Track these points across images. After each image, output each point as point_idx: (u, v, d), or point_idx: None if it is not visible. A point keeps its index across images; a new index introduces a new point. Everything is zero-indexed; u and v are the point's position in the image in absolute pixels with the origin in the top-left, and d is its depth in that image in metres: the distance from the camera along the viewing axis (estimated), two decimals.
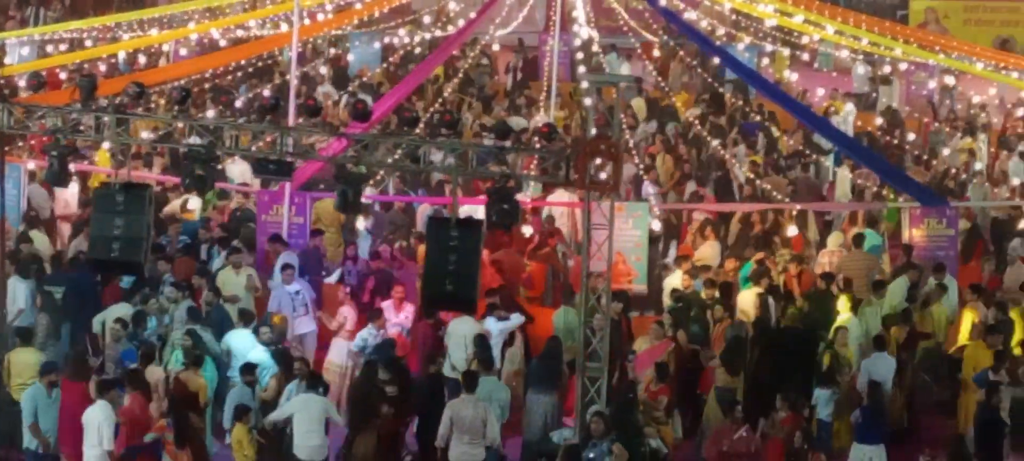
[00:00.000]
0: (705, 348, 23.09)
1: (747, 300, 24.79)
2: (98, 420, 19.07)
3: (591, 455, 18.98)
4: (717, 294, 24.34)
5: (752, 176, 31.17)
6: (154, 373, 20.72)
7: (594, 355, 19.99)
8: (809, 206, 29.80)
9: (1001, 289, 26.38)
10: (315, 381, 20.36)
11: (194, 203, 27.78)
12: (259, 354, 21.60)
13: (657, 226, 27.74)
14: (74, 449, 19.44)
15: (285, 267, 24.14)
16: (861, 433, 20.72)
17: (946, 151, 35.15)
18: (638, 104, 37.84)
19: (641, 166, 31.23)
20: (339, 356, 23.15)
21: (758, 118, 36.53)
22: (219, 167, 25.56)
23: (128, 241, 20.10)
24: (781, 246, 27.80)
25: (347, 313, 23.67)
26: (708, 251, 27.66)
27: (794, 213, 29.01)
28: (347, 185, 20.33)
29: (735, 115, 36.95)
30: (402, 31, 43.08)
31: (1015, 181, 33.48)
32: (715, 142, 33.02)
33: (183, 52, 40.53)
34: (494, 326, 22.94)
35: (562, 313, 23.71)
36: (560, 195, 28.01)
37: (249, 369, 20.75)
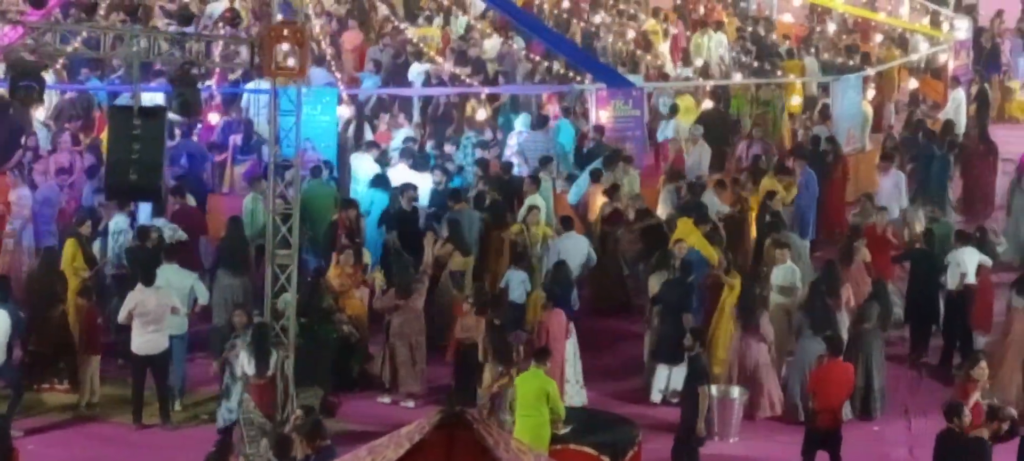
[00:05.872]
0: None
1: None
2: None
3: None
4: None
5: (439, 59, 31.06)
6: None
7: (283, 242, 19.71)
8: (492, 90, 29.80)
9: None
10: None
11: None
12: None
13: (347, 112, 27.56)
14: None
15: None
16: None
17: (631, 33, 35.44)
18: None
19: (329, 52, 30.85)
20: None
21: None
22: None
23: None
24: (468, 128, 27.96)
25: (23, 193, 23.25)
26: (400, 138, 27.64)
27: (483, 97, 29.06)
28: (22, 75, 19.60)
29: None
30: None
31: (697, 61, 34.16)
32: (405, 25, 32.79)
33: None
34: None
35: (251, 199, 23.57)
36: None
37: None
